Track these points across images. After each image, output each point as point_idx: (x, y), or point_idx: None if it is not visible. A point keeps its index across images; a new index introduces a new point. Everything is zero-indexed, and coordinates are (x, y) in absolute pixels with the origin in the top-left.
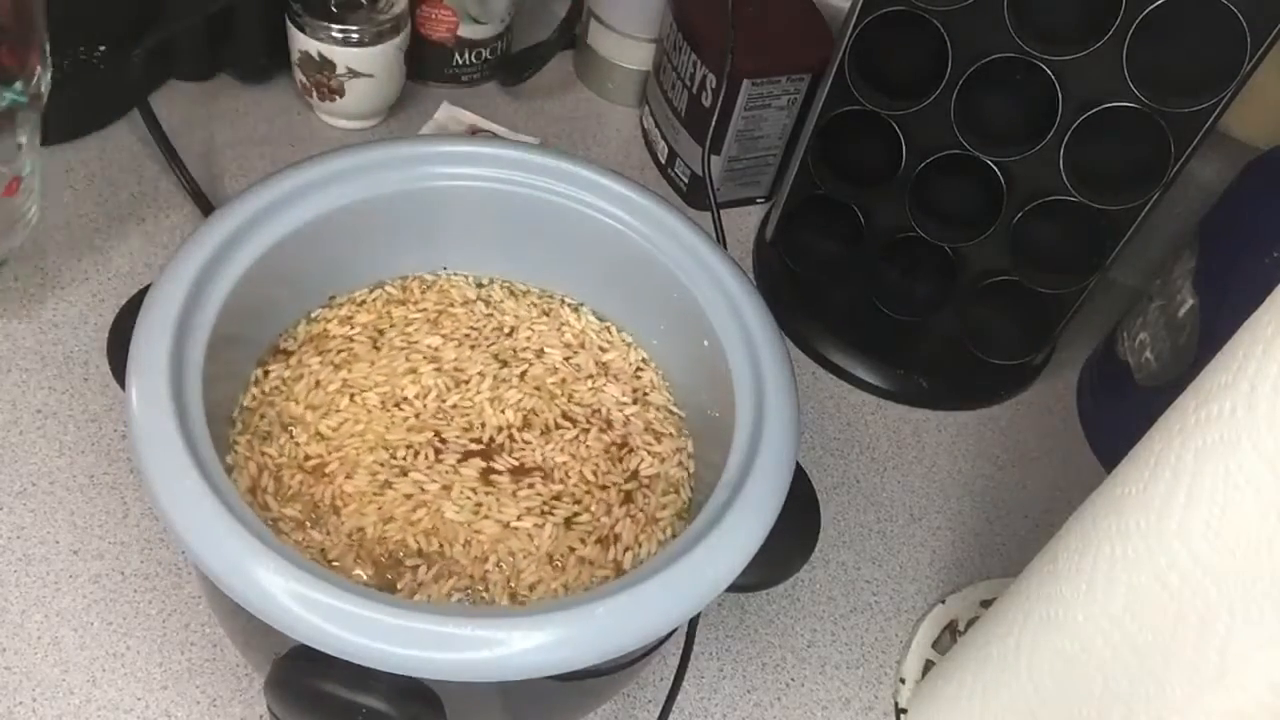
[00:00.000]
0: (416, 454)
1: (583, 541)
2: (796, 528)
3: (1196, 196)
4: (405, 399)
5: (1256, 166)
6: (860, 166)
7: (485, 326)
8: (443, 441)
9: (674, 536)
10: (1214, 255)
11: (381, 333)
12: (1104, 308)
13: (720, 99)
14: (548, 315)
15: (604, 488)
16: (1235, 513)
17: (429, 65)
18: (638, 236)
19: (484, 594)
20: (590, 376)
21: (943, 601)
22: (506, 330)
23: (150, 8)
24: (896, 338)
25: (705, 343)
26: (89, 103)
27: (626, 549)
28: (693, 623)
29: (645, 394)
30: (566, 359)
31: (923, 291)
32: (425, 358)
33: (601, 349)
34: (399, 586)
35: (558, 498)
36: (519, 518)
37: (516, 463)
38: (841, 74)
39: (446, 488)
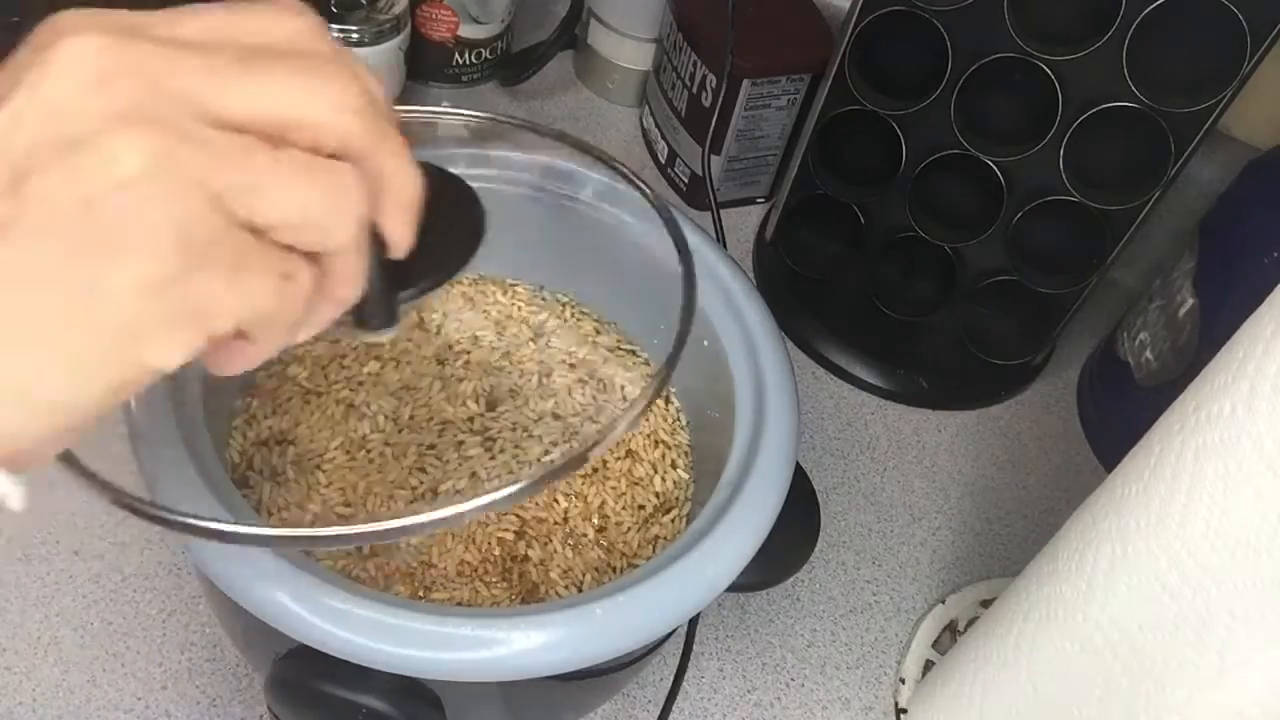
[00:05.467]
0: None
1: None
2: (796, 528)
3: (1196, 196)
4: (364, 436)
5: (1256, 166)
6: (860, 166)
7: (415, 335)
8: (430, 447)
9: (674, 536)
10: (1214, 255)
11: (325, 370)
12: (1104, 308)
13: (720, 99)
14: (472, 301)
15: (599, 411)
16: (1235, 513)
17: (429, 65)
18: (637, 236)
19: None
20: (531, 340)
21: (943, 601)
22: (434, 329)
23: (149, 8)
24: (896, 338)
25: (705, 342)
26: None
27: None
28: (693, 623)
29: (592, 338)
30: (500, 333)
31: (923, 291)
32: (367, 386)
33: (533, 312)
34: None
35: (566, 435)
36: (531, 465)
37: (509, 424)
38: (841, 74)
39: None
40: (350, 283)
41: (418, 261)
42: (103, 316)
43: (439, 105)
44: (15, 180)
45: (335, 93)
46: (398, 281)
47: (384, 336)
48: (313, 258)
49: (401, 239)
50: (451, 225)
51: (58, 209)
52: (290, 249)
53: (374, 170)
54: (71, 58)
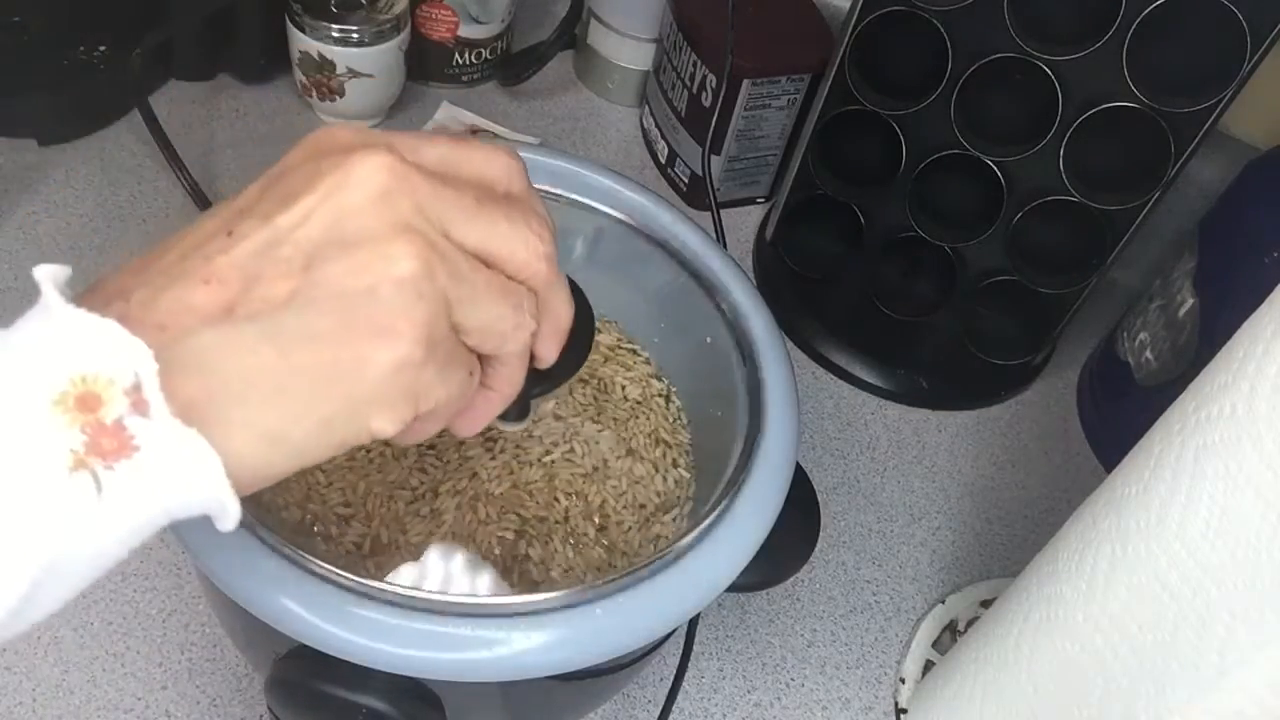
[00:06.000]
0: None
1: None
2: (796, 528)
3: (1196, 196)
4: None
5: (1256, 166)
6: (860, 166)
7: None
8: (430, 447)
9: (675, 536)
10: (1214, 255)
11: None
12: (1104, 308)
13: (720, 99)
14: None
15: (600, 410)
16: (1235, 513)
17: (429, 65)
18: (637, 237)
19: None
20: None
21: (943, 601)
22: None
23: (150, 8)
24: (896, 338)
25: (709, 340)
26: (89, 103)
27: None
28: (693, 623)
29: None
30: None
31: (923, 291)
32: None
33: None
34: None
35: (566, 435)
36: (532, 465)
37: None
38: (841, 74)
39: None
40: (513, 383)
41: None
42: (359, 385)
43: (441, 105)
44: (307, 264)
45: (535, 242)
46: (533, 382)
47: (517, 427)
48: (482, 359)
49: (550, 356)
50: (573, 332)
51: (343, 292)
52: (469, 350)
53: (543, 301)
54: (366, 171)
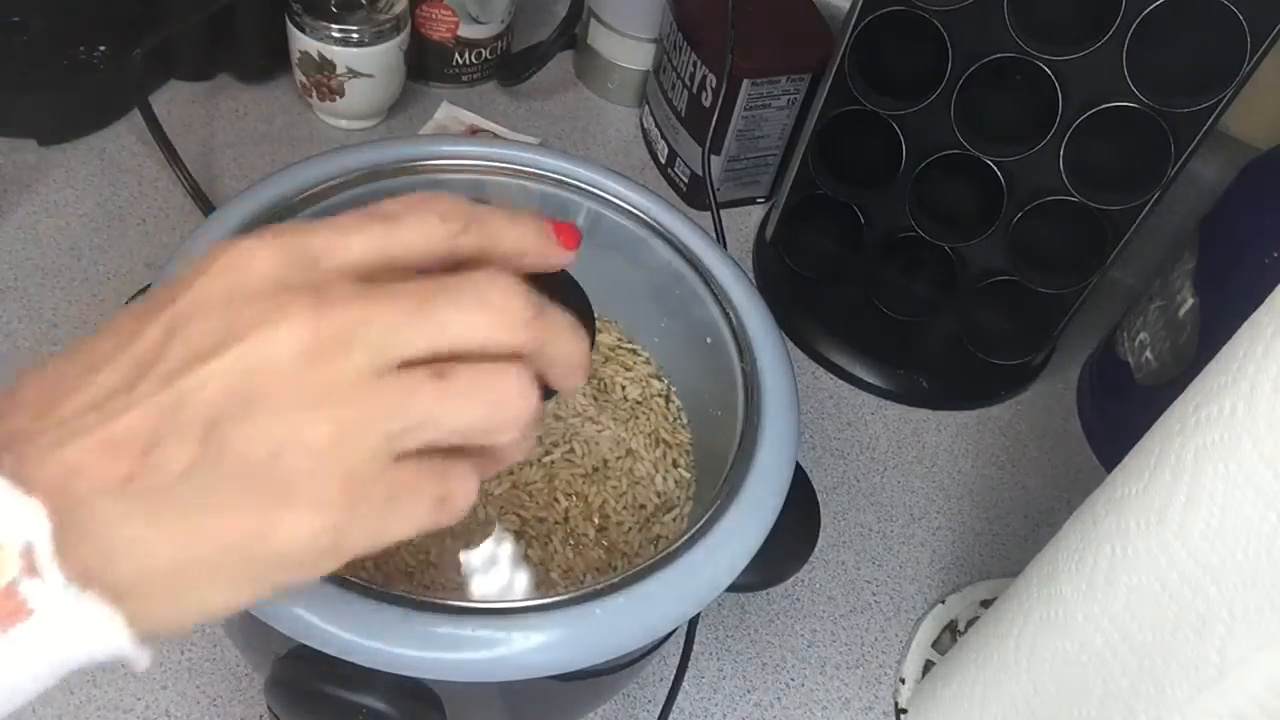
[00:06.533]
0: None
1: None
2: (796, 528)
3: (1196, 196)
4: None
5: (1256, 166)
6: (860, 166)
7: None
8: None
9: (675, 536)
10: (1214, 255)
11: None
12: (1104, 308)
13: (720, 99)
14: None
15: (600, 410)
16: (1235, 513)
17: (429, 65)
18: (637, 236)
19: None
20: None
21: (943, 601)
22: None
23: (150, 8)
24: (896, 338)
25: (709, 340)
26: (89, 103)
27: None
28: (693, 623)
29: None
30: None
31: (923, 291)
32: None
33: None
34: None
35: (566, 435)
36: (532, 465)
37: None
38: (841, 74)
39: None
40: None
41: None
42: (264, 551)
43: (441, 105)
44: (208, 429)
45: (505, 315)
46: None
47: None
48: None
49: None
50: None
51: (245, 459)
52: (459, 451)
53: (546, 357)
54: (287, 334)
